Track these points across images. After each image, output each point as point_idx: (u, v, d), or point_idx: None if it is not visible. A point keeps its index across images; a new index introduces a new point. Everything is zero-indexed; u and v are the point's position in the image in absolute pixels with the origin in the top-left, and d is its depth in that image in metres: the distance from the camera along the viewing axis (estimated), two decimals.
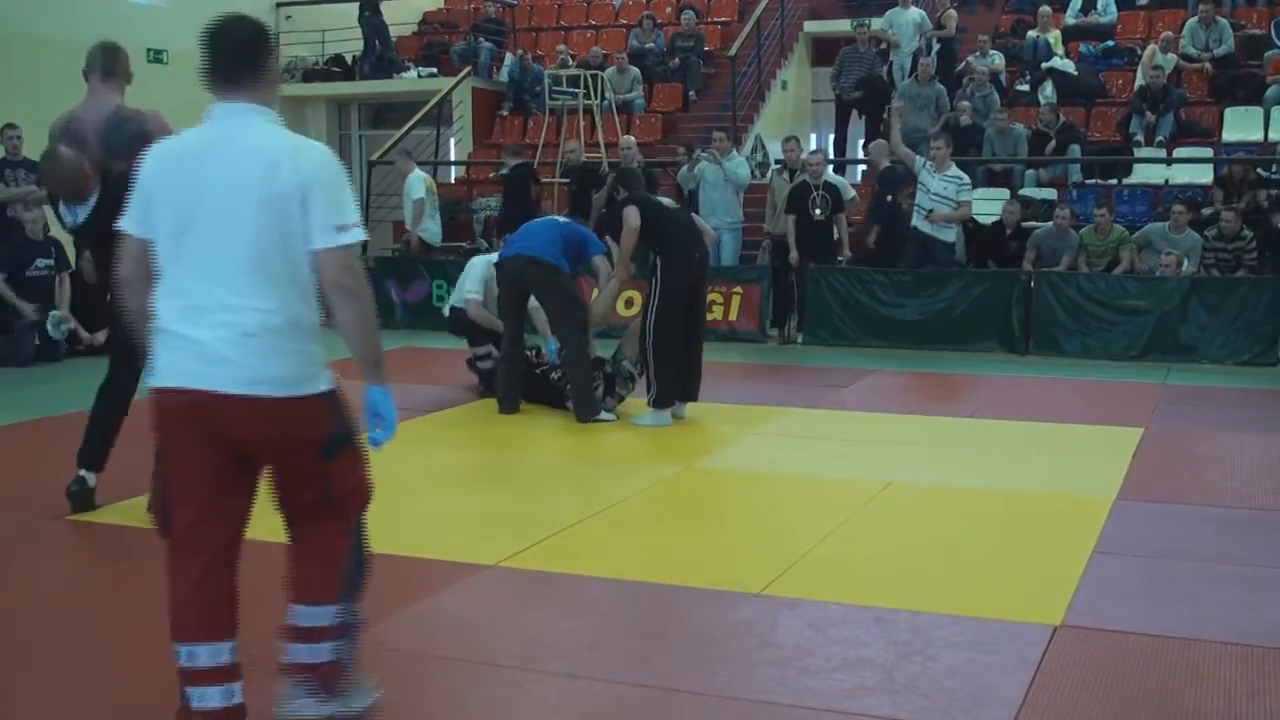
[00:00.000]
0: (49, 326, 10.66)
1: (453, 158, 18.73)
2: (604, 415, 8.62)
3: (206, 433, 3.52)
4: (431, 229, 14.39)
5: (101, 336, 11.54)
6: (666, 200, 8.92)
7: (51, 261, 11.43)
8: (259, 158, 3.50)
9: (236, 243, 3.47)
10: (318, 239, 3.49)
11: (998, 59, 15.98)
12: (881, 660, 4.40)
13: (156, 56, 17.74)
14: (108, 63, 6.34)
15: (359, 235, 3.54)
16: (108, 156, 6.01)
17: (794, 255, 12.39)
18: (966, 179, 12.48)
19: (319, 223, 3.48)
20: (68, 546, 5.94)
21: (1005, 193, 13.99)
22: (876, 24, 16.75)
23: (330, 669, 3.67)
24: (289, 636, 3.68)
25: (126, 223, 3.64)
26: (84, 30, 16.16)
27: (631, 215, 8.56)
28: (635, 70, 17.82)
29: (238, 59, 3.63)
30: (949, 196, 12.19)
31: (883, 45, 16.59)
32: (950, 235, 12.43)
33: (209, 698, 3.57)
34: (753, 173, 13.71)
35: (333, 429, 3.65)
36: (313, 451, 3.61)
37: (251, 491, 3.70)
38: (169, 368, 3.54)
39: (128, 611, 4.92)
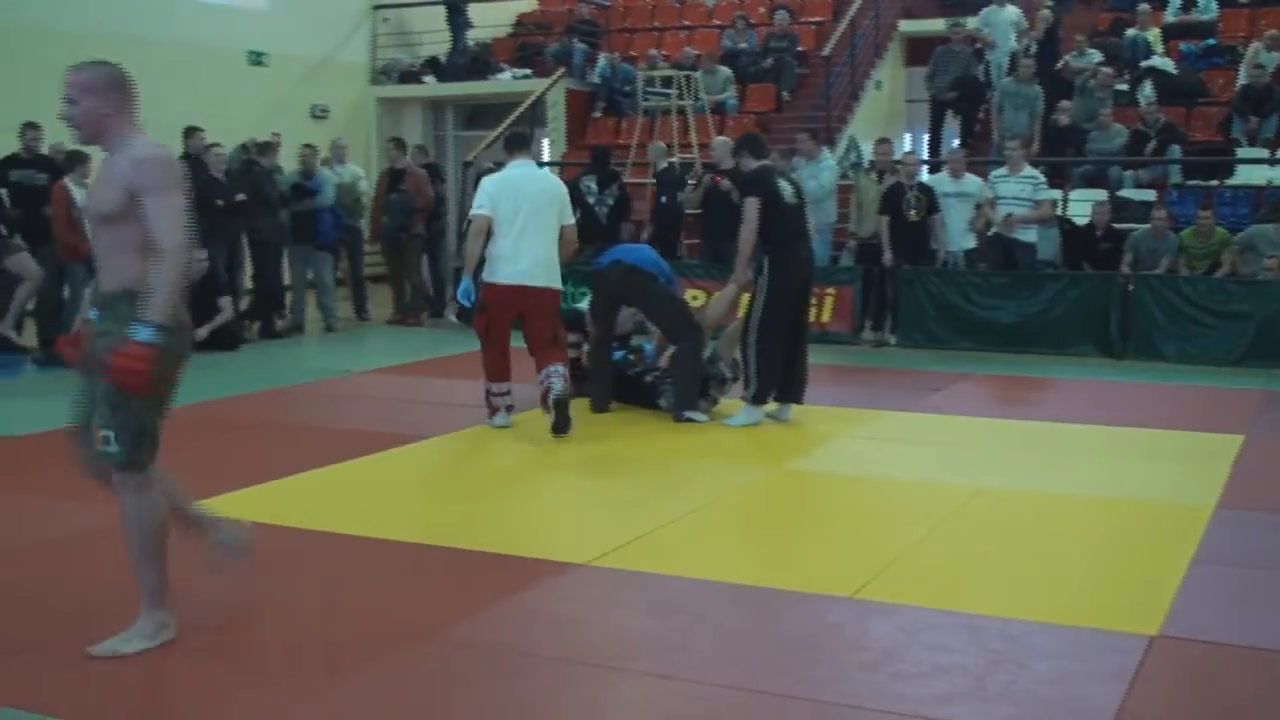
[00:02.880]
0: None
1: (546, 158, 18.85)
2: (696, 416, 8.63)
3: (513, 305, 8.15)
4: None
5: (204, 332, 11.85)
6: (786, 187, 8.62)
7: None
8: (547, 182, 8.59)
9: (542, 221, 8.13)
10: (566, 220, 8.31)
11: (1096, 58, 15.74)
12: (973, 667, 4.37)
13: (257, 59, 18.08)
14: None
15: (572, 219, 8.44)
16: None
17: (888, 256, 12.30)
18: (1043, 178, 12.35)
19: (565, 214, 8.33)
20: None
21: (1104, 194, 13.80)
22: (971, 23, 16.59)
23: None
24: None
25: (481, 209, 8.13)
26: (186, 34, 16.71)
27: (752, 211, 8.41)
28: (728, 71, 17.79)
29: (526, 147, 8.59)
30: (1026, 197, 12.07)
31: (978, 45, 16.42)
32: (1031, 236, 12.29)
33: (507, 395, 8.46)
34: (845, 174, 13.63)
35: (558, 305, 8.48)
36: (552, 313, 8.33)
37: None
38: (505, 274, 8.06)
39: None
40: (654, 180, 14.34)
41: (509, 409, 8.45)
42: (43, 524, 6.16)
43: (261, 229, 13.02)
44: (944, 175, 12.76)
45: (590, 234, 12.41)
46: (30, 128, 11.80)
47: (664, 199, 13.87)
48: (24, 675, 4.31)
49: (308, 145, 13.84)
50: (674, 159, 14.77)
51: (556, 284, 8.33)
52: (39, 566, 5.54)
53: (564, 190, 8.60)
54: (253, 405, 9.37)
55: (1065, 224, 12.69)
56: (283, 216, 13.32)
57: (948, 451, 7.91)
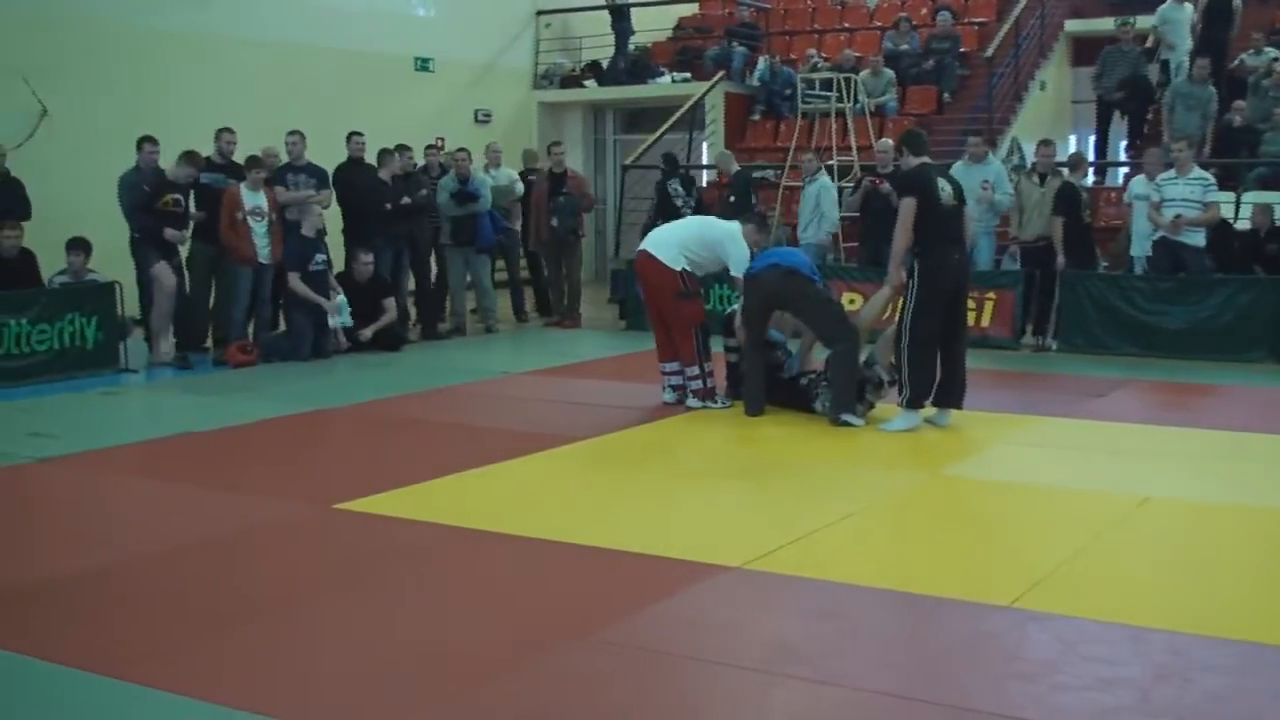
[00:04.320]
0: (332, 317, 11.42)
1: (704, 161, 18.91)
2: (852, 420, 8.58)
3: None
4: None
5: (369, 333, 12.16)
6: (945, 187, 8.48)
7: (326, 257, 12.00)
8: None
9: None
10: None
11: (1272, 55, 15.21)
12: (1137, 681, 4.27)
13: (424, 65, 18.48)
14: None
15: None
16: None
17: (1061, 259, 12.03)
18: (1212, 180, 11.98)
19: None
20: (339, 533, 6.24)
21: (1278, 196, 13.33)
22: (1146, 22, 16.18)
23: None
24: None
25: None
26: (356, 41, 17.17)
27: (908, 212, 8.35)
28: (889, 73, 17.63)
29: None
30: (1195, 199, 11.74)
31: (1148, 44, 16.00)
32: (1200, 240, 11.93)
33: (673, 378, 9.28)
34: (1009, 176, 13.40)
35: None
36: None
37: None
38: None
39: (377, 599, 5.17)
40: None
41: None
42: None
43: (420, 232, 13.31)
44: (1140, 178, 12.44)
45: None
46: (224, 132, 12.25)
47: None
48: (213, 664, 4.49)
49: (462, 149, 14.11)
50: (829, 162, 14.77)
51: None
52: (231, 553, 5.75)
53: None
54: (414, 405, 9.58)
55: (1222, 227, 12.30)
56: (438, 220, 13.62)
57: (1111, 459, 7.73)
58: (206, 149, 12.07)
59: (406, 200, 12.88)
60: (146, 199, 11.14)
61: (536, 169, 15.37)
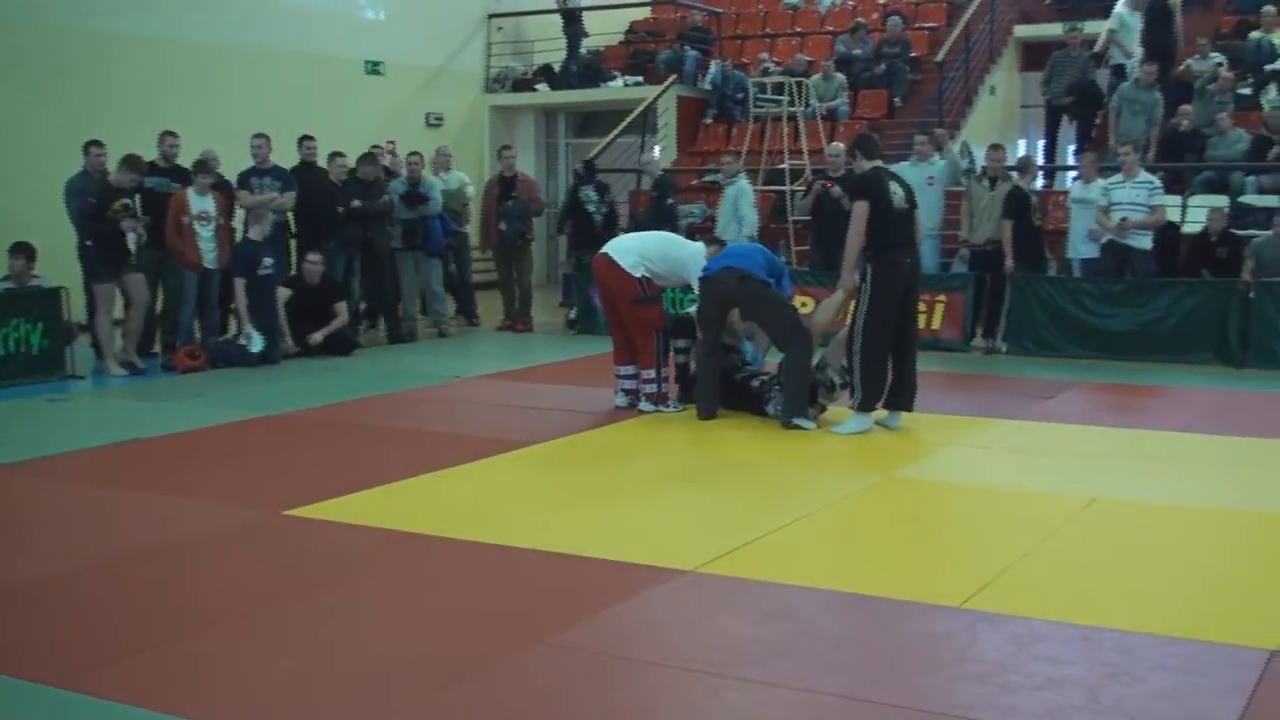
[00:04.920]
0: (242, 340, 11.31)
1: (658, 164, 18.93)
2: (804, 423, 8.60)
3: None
4: None
5: (319, 337, 12.09)
6: (896, 191, 8.51)
7: (274, 261, 11.91)
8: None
9: None
10: None
11: (1218, 60, 15.41)
12: (1086, 680, 4.30)
13: (374, 68, 18.41)
14: None
15: None
16: None
17: (1010, 263, 12.12)
18: (1158, 184, 12.15)
19: None
20: (288, 540, 6.20)
21: (1224, 200, 13.51)
22: (1094, 27, 16.34)
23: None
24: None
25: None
26: (307, 44, 17.09)
27: (860, 215, 8.38)
28: (841, 77, 17.72)
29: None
30: (1142, 203, 11.88)
31: (1096, 49, 16.16)
32: (1147, 243, 12.08)
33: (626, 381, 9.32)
34: (957, 180, 13.51)
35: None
36: None
37: None
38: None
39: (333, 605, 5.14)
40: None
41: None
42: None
43: (376, 236, 13.24)
44: (1078, 182, 12.58)
45: (587, 239, 13.44)
46: (168, 135, 12.12)
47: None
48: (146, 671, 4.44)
49: (414, 153, 14.07)
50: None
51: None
52: (176, 563, 5.70)
53: None
54: (365, 410, 9.53)
55: (1169, 231, 12.45)
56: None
57: (1061, 460, 7.80)
58: (154, 153, 11.95)
59: (357, 203, 12.82)
60: (94, 209, 10.99)
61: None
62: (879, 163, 8.75)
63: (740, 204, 13.54)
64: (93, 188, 11.20)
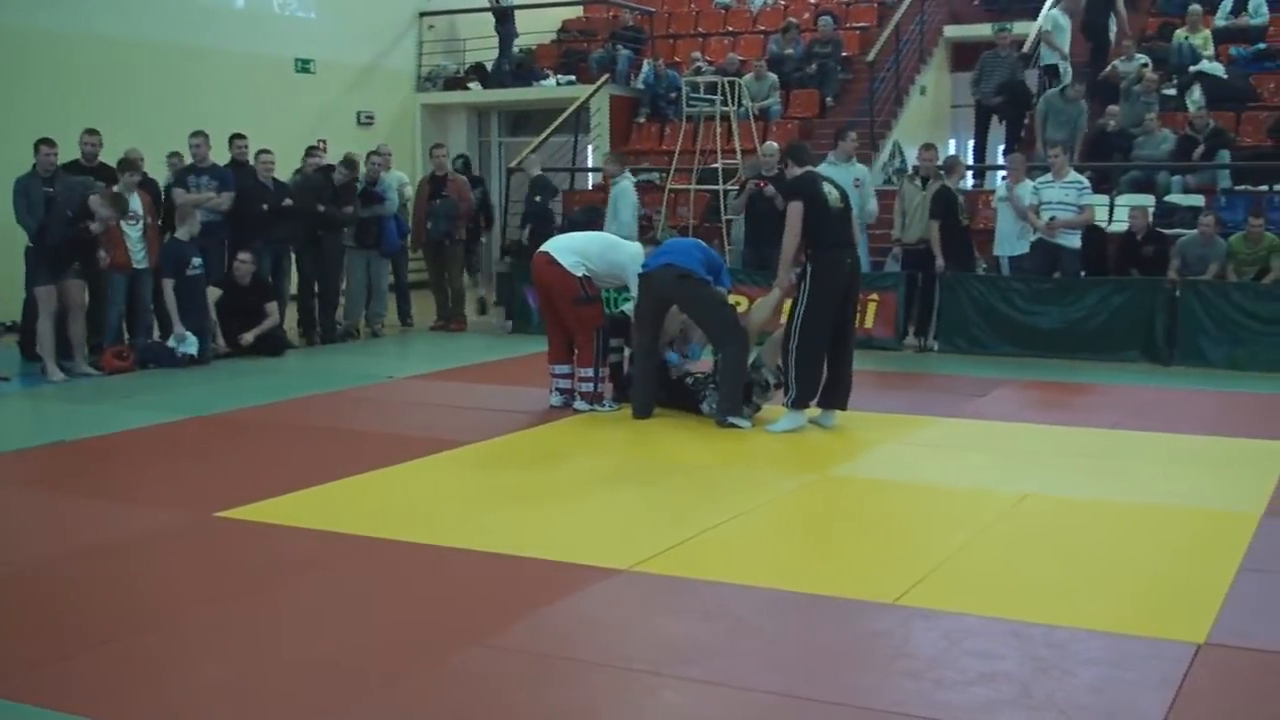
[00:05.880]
0: (173, 342, 11.13)
1: (590, 164, 18.91)
2: (739, 422, 8.63)
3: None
4: None
5: (250, 337, 11.96)
6: (830, 191, 8.56)
7: (202, 261, 11.76)
8: None
9: None
10: None
11: (1143, 61, 15.62)
12: (1018, 674, 4.35)
13: (304, 66, 18.24)
14: None
15: None
16: None
17: (940, 262, 12.22)
18: (1087, 184, 12.33)
19: None
20: (219, 542, 6.12)
21: (1151, 199, 13.71)
22: (1023, 28, 16.52)
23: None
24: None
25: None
26: (235, 42, 16.90)
27: (795, 215, 8.41)
28: (773, 77, 17.78)
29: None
30: (1071, 202, 12.06)
31: (1024, 49, 16.33)
32: (1076, 242, 12.25)
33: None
34: (889, 179, 13.59)
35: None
36: None
37: None
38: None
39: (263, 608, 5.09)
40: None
41: None
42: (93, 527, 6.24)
43: (328, 236, 13.13)
44: (1004, 182, 12.73)
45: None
46: (88, 134, 11.91)
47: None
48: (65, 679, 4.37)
49: (375, 152, 14.00)
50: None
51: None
52: (101, 564, 5.61)
53: None
54: (297, 410, 9.44)
55: (1092, 231, 12.63)
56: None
57: (992, 457, 7.88)
58: (75, 151, 11.78)
59: (288, 202, 12.69)
60: (69, 220, 10.65)
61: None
62: (810, 168, 8.83)
63: (619, 204, 13.49)
64: (70, 207, 10.65)
